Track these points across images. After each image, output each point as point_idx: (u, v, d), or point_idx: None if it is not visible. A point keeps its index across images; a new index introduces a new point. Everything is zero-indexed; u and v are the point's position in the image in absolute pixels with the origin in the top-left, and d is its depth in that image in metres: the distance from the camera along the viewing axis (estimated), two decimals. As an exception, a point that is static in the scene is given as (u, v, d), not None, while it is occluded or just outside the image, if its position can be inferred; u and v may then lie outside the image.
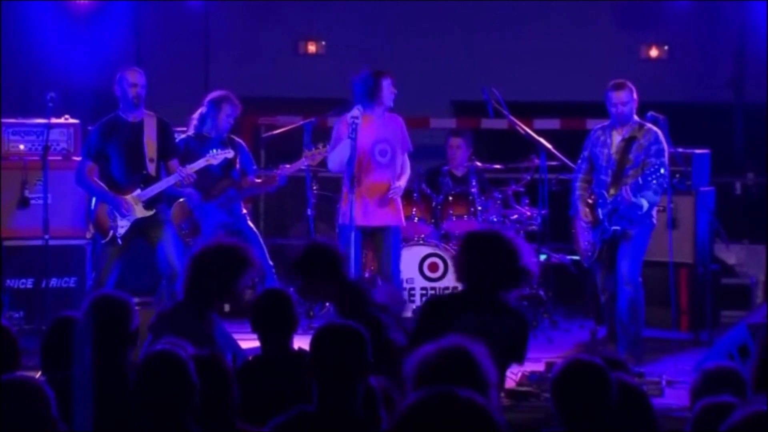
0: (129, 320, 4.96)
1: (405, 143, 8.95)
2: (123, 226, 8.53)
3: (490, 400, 3.97)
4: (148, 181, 8.57)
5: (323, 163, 9.55)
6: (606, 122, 8.73)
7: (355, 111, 8.61)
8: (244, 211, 9.33)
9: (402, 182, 8.89)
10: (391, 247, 8.88)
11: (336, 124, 8.94)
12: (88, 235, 9.24)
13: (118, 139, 8.56)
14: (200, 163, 8.74)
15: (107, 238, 8.53)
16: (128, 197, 8.54)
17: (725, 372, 4.53)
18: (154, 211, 8.57)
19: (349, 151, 8.57)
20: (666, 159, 8.48)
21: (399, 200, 8.90)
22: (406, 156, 8.99)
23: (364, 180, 8.71)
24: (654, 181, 8.32)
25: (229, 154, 8.87)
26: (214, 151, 8.80)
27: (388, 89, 8.75)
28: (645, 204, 8.47)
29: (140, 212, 8.56)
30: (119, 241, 8.49)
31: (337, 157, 8.74)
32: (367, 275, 9.37)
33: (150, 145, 8.57)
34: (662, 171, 8.32)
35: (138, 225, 8.54)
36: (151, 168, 8.59)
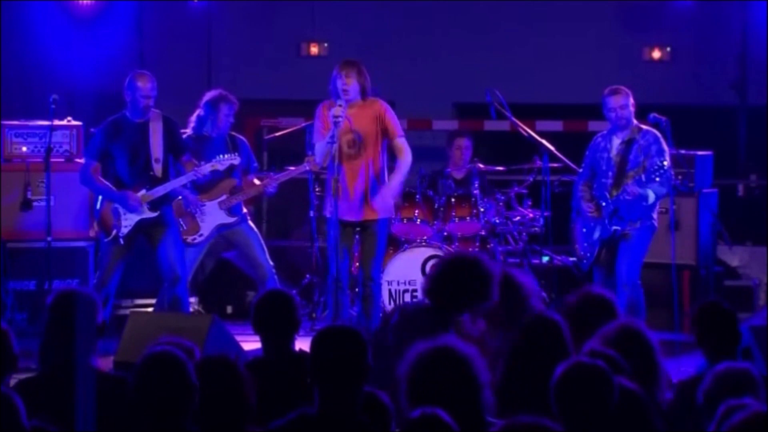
0: (95, 316, 5.00)
1: (393, 127, 8.38)
2: (126, 225, 8.50)
3: (484, 399, 4.04)
4: (153, 182, 8.52)
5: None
6: (605, 130, 8.79)
7: (337, 109, 8.15)
8: (245, 210, 9.31)
9: (394, 182, 8.42)
10: (368, 243, 8.45)
11: (316, 115, 8.53)
12: (92, 233, 9.24)
13: (124, 139, 8.51)
14: (206, 168, 8.67)
15: (110, 237, 8.51)
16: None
17: (737, 373, 4.49)
18: (158, 212, 8.54)
19: (328, 151, 8.25)
20: (667, 158, 8.51)
21: (386, 195, 8.40)
22: (401, 140, 8.39)
23: (340, 173, 8.22)
24: (657, 178, 8.38)
25: (236, 160, 8.79)
26: (221, 156, 8.72)
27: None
28: (651, 196, 8.49)
29: (145, 213, 8.53)
30: (121, 241, 8.48)
31: (319, 154, 8.46)
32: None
33: (156, 146, 8.52)
34: (665, 163, 8.36)
35: (141, 225, 8.52)
36: (157, 169, 8.51)
